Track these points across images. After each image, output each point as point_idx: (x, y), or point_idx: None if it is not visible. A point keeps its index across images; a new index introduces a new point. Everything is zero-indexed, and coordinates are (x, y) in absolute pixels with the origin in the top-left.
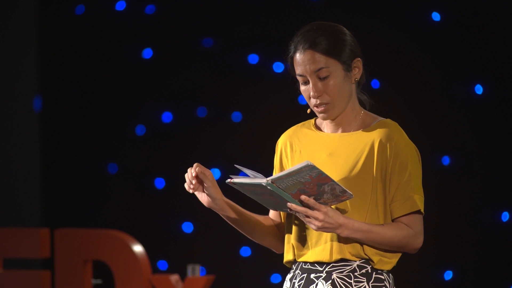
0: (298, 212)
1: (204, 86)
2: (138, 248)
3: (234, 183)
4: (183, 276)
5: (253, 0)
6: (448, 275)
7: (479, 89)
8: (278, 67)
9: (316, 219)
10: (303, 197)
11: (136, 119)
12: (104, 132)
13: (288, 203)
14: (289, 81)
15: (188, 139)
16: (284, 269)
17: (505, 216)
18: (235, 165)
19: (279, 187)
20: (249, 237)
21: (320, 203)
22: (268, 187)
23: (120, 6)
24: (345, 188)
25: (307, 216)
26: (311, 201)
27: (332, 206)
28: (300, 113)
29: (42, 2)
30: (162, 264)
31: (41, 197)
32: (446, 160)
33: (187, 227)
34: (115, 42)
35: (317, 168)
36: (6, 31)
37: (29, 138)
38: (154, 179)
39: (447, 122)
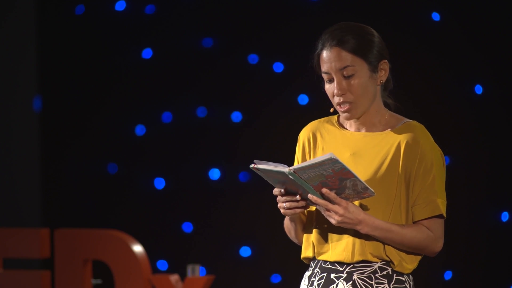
0: (318, 205)
1: (204, 86)
2: (138, 248)
3: (258, 169)
4: (183, 276)
5: (253, 0)
6: (448, 275)
7: (479, 89)
8: (278, 67)
9: (336, 213)
10: (324, 190)
11: (136, 119)
12: (104, 132)
13: (309, 195)
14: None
15: (188, 139)
16: (284, 270)
17: (505, 216)
18: (255, 160)
19: (300, 177)
20: (296, 239)
21: (341, 197)
22: (290, 176)
23: (120, 6)
24: (367, 185)
25: (328, 210)
26: (332, 194)
27: (355, 203)
28: (300, 113)
29: (42, 2)
30: (162, 264)
31: (41, 197)
32: (446, 160)
33: (187, 227)
34: (115, 42)
35: (340, 162)
36: (6, 31)
37: (29, 138)
38: (154, 179)
39: (447, 122)
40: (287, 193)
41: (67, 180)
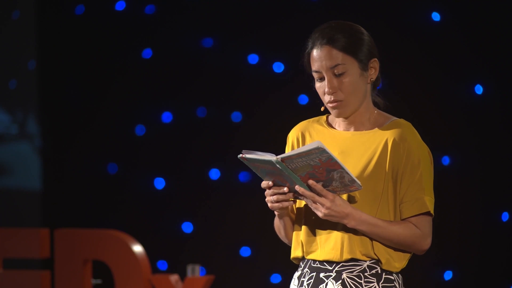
0: (305, 197)
1: (204, 86)
2: (138, 248)
3: (246, 158)
4: (183, 276)
5: (253, 0)
6: (448, 275)
7: (479, 89)
8: (278, 67)
9: (323, 205)
10: (310, 181)
11: (136, 119)
12: (104, 132)
13: (297, 186)
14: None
15: (188, 139)
16: (283, 270)
17: (505, 216)
18: (243, 150)
19: (288, 167)
20: (286, 239)
21: (328, 190)
22: (277, 165)
23: (120, 6)
24: (354, 178)
25: (314, 202)
26: (318, 186)
27: (343, 197)
28: (300, 113)
29: (42, 2)
30: (162, 264)
31: (41, 197)
32: (446, 160)
33: (187, 227)
34: (115, 42)
35: (327, 152)
36: (6, 31)
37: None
38: (154, 179)
39: (447, 122)
40: (275, 185)
41: (67, 180)
